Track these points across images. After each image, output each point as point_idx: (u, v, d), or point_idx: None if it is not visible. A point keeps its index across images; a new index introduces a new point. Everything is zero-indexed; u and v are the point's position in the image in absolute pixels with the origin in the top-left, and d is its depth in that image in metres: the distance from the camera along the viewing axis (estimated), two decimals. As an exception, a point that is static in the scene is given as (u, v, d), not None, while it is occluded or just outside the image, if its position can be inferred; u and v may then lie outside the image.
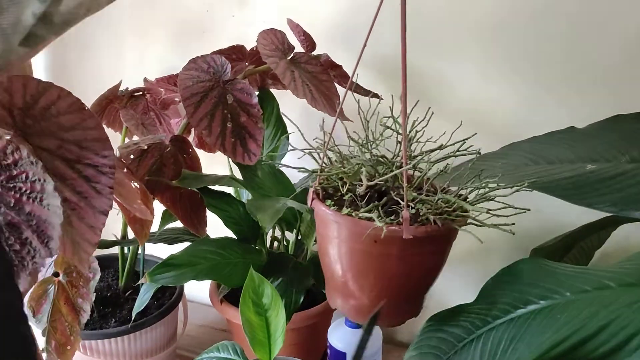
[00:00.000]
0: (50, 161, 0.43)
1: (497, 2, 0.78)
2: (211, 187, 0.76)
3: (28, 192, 0.37)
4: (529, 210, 0.48)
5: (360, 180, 0.53)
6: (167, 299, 0.83)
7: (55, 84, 0.44)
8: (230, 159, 0.87)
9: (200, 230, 0.77)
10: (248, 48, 0.81)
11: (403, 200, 0.47)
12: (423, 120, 0.56)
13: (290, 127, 0.88)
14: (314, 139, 0.59)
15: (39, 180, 0.38)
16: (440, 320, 0.50)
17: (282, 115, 0.85)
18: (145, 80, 0.91)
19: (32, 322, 0.67)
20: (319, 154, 0.57)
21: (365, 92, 0.77)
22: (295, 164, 0.61)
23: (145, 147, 0.72)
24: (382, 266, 0.50)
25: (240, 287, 0.64)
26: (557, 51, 0.78)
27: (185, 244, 0.76)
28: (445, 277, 0.93)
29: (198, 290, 1.01)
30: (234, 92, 0.71)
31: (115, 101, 0.86)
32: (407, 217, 0.46)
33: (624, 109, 0.62)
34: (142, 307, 0.74)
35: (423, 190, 0.54)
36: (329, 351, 0.77)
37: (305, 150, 0.57)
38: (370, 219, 0.47)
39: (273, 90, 0.87)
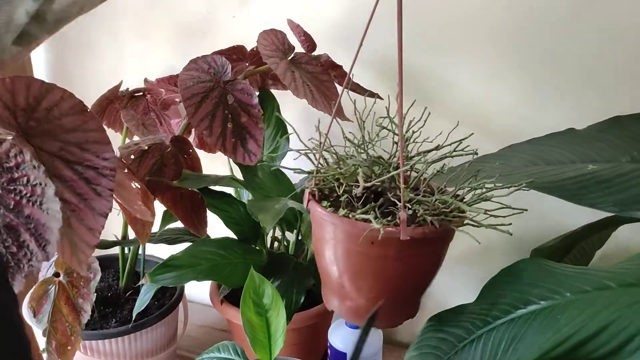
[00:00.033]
0: (51, 162, 0.43)
1: (497, 2, 0.78)
2: (212, 187, 0.76)
3: (28, 195, 0.38)
4: (526, 210, 0.48)
5: (357, 181, 0.53)
6: (168, 300, 0.83)
7: (58, 86, 0.44)
8: (230, 159, 0.87)
9: (200, 230, 0.77)
10: (248, 48, 0.81)
11: (400, 201, 0.47)
12: (419, 120, 0.56)
13: (290, 128, 0.88)
14: (309, 139, 0.59)
15: (40, 184, 0.38)
16: (441, 320, 0.50)
17: (277, 115, 0.85)
18: (145, 80, 0.92)
19: (32, 323, 0.67)
20: (314, 155, 0.57)
21: (364, 92, 0.77)
22: (292, 165, 0.61)
23: (146, 148, 0.72)
24: (379, 267, 0.50)
25: (240, 288, 0.64)
26: (556, 52, 0.78)
27: (186, 245, 0.76)
28: (445, 277, 0.94)
29: (198, 290, 1.01)
30: (234, 92, 0.71)
31: (116, 101, 0.86)
32: (405, 219, 0.45)
33: (623, 110, 0.62)
34: (143, 308, 0.74)
35: (419, 191, 0.54)
36: (329, 351, 0.77)
37: (300, 151, 0.57)
38: (367, 221, 0.47)
39: (273, 91, 0.88)
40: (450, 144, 0.54)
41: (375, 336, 0.75)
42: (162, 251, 0.87)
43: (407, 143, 0.57)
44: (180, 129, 0.81)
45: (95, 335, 0.76)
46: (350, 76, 0.54)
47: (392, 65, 0.85)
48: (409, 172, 0.55)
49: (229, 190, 0.87)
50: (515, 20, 0.78)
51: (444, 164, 0.55)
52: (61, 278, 0.67)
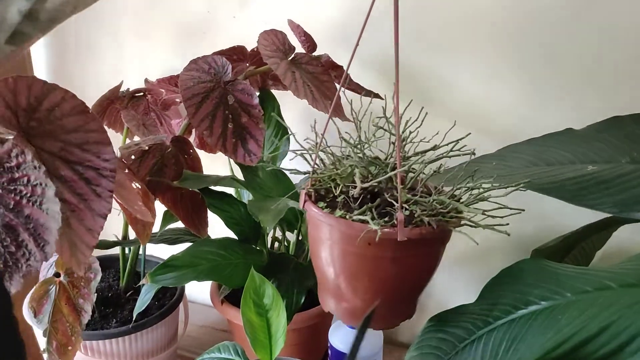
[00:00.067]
0: (51, 162, 0.43)
1: (497, 2, 0.78)
2: (212, 187, 0.76)
3: (28, 195, 0.38)
4: (524, 210, 0.48)
5: (353, 181, 0.52)
6: (168, 300, 0.83)
7: (59, 86, 0.44)
8: (231, 160, 0.87)
9: (201, 230, 0.77)
10: (249, 49, 0.81)
11: (397, 202, 0.46)
12: (416, 120, 0.56)
13: (291, 128, 0.88)
14: (304, 140, 0.59)
15: (40, 184, 0.38)
16: (441, 320, 0.50)
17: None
18: (146, 80, 0.92)
19: (33, 323, 0.67)
20: (311, 156, 0.56)
21: (363, 91, 0.77)
22: (292, 165, 0.61)
23: (147, 148, 0.72)
24: (375, 268, 0.50)
25: (241, 288, 0.64)
26: (556, 52, 0.78)
27: (186, 245, 0.76)
28: (446, 277, 0.94)
29: (199, 291, 1.01)
30: (235, 92, 0.71)
31: (117, 102, 0.86)
32: (402, 219, 0.45)
33: (623, 110, 0.62)
34: (143, 308, 0.74)
35: (416, 191, 0.53)
36: (329, 352, 0.77)
37: (297, 152, 0.57)
38: (364, 222, 0.47)
39: (274, 91, 0.88)
40: (447, 144, 0.54)
41: (376, 336, 0.75)
42: (162, 251, 0.87)
43: (404, 143, 0.56)
44: (180, 129, 0.81)
45: (95, 335, 0.76)
46: (348, 74, 0.54)
47: (392, 65, 0.85)
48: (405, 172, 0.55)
49: (230, 190, 0.87)
50: (515, 20, 0.78)
51: (441, 164, 0.55)
52: (62, 278, 0.67)
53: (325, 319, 0.82)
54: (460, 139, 0.53)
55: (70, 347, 0.66)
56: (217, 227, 0.80)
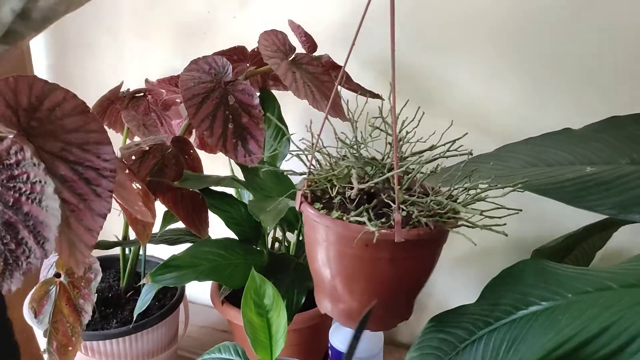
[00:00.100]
0: (51, 162, 0.43)
1: (497, 2, 0.78)
2: (213, 188, 0.76)
3: (28, 192, 0.37)
4: (521, 210, 0.48)
5: (350, 182, 0.52)
6: (169, 300, 0.83)
7: (60, 86, 0.44)
8: (231, 160, 0.87)
9: (202, 231, 0.77)
10: (249, 49, 0.81)
11: (394, 203, 0.46)
12: (413, 120, 0.55)
13: (291, 128, 0.88)
14: (300, 140, 0.58)
15: (40, 181, 0.38)
16: (442, 321, 0.50)
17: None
18: (146, 81, 0.92)
19: (34, 323, 0.67)
20: (307, 156, 0.56)
21: (362, 92, 0.77)
22: (290, 166, 0.60)
23: (147, 148, 0.72)
24: (372, 270, 0.50)
25: (241, 288, 0.64)
26: (556, 52, 0.78)
27: (187, 245, 0.76)
28: (446, 278, 0.94)
29: (199, 291, 1.01)
30: (235, 93, 0.71)
31: (117, 102, 0.86)
32: (399, 220, 0.45)
33: (623, 110, 0.62)
34: (144, 308, 0.74)
35: (412, 192, 0.53)
36: (330, 352, 0.77)
37: (292, 152, 0.57)
38: (361, 223, 0.46)
39: (274, 91, 0.88)
40: (444, 144, 0.53)
41: (376, 337, 0.75)
42: (163, 252, 0.87)
43: (400, 143, 0.56)
44: (181, 130, 0.81)
45: (96, 335, 0.76)
46: (345, 72, 0.54)
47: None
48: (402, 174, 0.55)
49: (230, 190, 0.87)
50: (515, 20, 0.78)
51: (438, 164, 0.55)
52: (62, 279, 0.67)
53: (325, 320, 0.82)
54: (457, 139, 0.53)
55: (70, 348, 0.66)
56: (217, 228, 0.80)
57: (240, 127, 0.70)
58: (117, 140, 0.73)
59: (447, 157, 0.52)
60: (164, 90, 0.87)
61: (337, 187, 0.53)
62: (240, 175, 0.79)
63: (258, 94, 0.77)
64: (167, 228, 0.84)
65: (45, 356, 0.65)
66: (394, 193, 0.46)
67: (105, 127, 0.62)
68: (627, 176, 0.48)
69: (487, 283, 0.50)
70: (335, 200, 0.52)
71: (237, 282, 0.72)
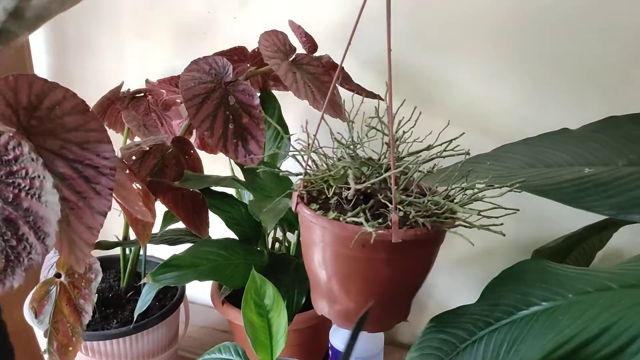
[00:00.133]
0: (51, 160, 0.43)
1: (497, 2, 0.78)
2: (213, 188, 0.76)
3: (27, 188, 0.37)
4: (518, 210, 0.48)
5: (346, 183, 0.51)
6: (169, 300, 0.83)
7: (60, 85, 0.44)
8: (232, 160, 0.87)
9: (202, 231, 0.77)
10: (250, 49, 0.81)
11: (390, 203, 0.46)
12: (409, 120, 0.55)
13: (291, 129, 0.88)
14: (295, 140, 0.58)
15: (38, 176, 0.38)
16: (442, 321, 0.50)
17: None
18: (147, 81, 0.92)
19: (34, 323, 0.67)
20: (303, 157, 0.56)
21: (365, 93, 0.77)
22: (289, 166, 0.60)
23: (147, 149, 0.72)
24: (369, 271, 0.49)
25: (241, 288, 0.64)
26: (556, 52, 0.78)
27: (187, 245, 0.76)
28: (446, 278, 0.94)
29: (200, 291, 1.01)
30: (235, 93, 0.71)
31: (117, 102, 0.86)
32: (397, 221, 0.45)
33: (623, 110, 0.62)
34: (144, 308, 0.74)
35: (410, 192, 0.53)
36: (330, 352, 0.77)
37: (289, 153, 0.56)
38: (357, 223, 0.46)
39: (275, 92, 0.88)
40: (441, 144, 0.53)
41: (376, 337, 0.75)
42: (163, 252, 0.87)
43: (397, 143, 0.55)
44: (181, 130, 0.81)
45: (96, 336, 0.76)
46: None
47: (393, 65, 0.85)
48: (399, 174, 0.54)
49: (230, 191, 0.87)
50: (515, 20, 0.78)
51: (435, 164, 0.55)
52: (62, 279, 0.67)
53: (326, 320, 0.82)
54: (454, 139, 0.52)
55: (71, 348, 0.66)
56: (217, 228, 0.80)
57: (241, 127, 0.70)
58: (117, 140, 0.73)
59: (444, 157, 0.52)
60: (164, 91, 0.87)
61: (333, 188, 0.53)
62: (240, 175, 0.79)
63: (258, 94, 0.77)
64: (167, 228, 0.84)
65: (46, 356, 0.65)
66: (391, 193, 0.46)
67: (106, 127, 0.62)
68: (625, 177, 0.48)
69: (487, 283, 0.50)
70: (332, 201, 0.52)
71: (238, 282, 0.72)
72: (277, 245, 0.91)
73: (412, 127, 0.56)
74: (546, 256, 0.68)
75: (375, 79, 0.86)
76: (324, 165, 0.56)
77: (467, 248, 0.90)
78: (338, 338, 0.75)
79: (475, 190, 0.50)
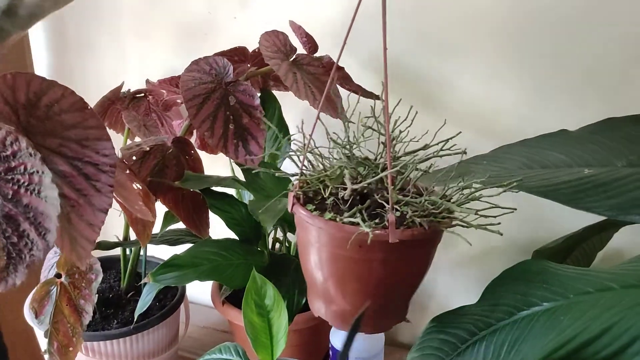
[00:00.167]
0: (51, 158, 0.43)
1: (498, 2, 0.78)
2: (213, 188, 0.76)
3: (26, 184, 0.37)
4: (516, 209, 0.48)
5: (342, 183, 0.51)
6: (169, 301, 0.83)
7: (58, 83, 0.44)
8: (232, 160, 0.87)
9: (202, 231, 0.77)
10: (250, 50, 0.81)
11: (387, 203, 0.46)
12: (405, 119, 0.55)
13: (292, 129, 0.88)
14: (292, 141, 0.58)
15: (37, 172, 0.37)
16: (443, 321, 0.50)
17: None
18: (147, 81, 0.92)
19: (34, 324, 0.67)
20: (298, 157, 0.55)
21: (366, 94, 0.77)
22: (289, 167, 0.60)
23: (148, 149, 0.72)
24: (366, 271, 0.49)
25: (242, 289, 0.64)
26: (557, 52, 0.78)
27: (187, 245, 0.76)
28: (447, 278, 0.94)
29: (200, 292, 1.01)
30: (236, 93, 0.71)
31: (117, 102, 0.86)
32: (393, 221, 0.44)
33: (623, 110, 0.62)
34: (144, 309, 0.74)
35: (406, 192, 0.53)
36: (330, 352, 0.77)
37: (285, 153, 0.56)
38: (354, 224, 0.46)
39: (275, 92, 0.88)
40: (437, 143, 0.53)
41: (377, 337, 0.75)
42: (163, 252, 0.87)
43: (394, 142, 0.55)
44: (181, 130, 0.81)
45: (96, 336, 0.76)
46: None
47: (394, 65, 0.85)
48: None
49: (231, 191, 0.87)
50: (515, 20, 0.78)
51: (431, 164, 0.54)
52: (63, 279, 0.67)
53: (326, 320, 0.82)
54: (451, 138, 0.52)
55: (71, 348, 0.66)
56: (218, 228, 0.80)
57: (241, 127, 0.70)
58: (117, 140, 0.73)
59: (440, 156, 0.52)
60: (164, 91, 0.87)
61: (329, 188, 0.53)
62: (241, 175, 0.79)
63: (259, 94, 0.77)
64: (167, 228, 0.84)
65: (46, 356, 0.65)
66: (388, 193, 0.46)
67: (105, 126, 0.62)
68: (625, 179, 0.48)
69: (488, 284, 0.50)
70: (328, 202, 0.52)
71: (238, 282, 0.72)
72: (277, 245, 0.91)
73: (409, 126, 0.55)
74: (546, 256, 0.68)
75: (375, 79, 0.86)
76: (320, 165, 0.56)
77: (468, 249, 0.90)
78: (338, 338, 0.75)
79: (472, 190, 0.49)
